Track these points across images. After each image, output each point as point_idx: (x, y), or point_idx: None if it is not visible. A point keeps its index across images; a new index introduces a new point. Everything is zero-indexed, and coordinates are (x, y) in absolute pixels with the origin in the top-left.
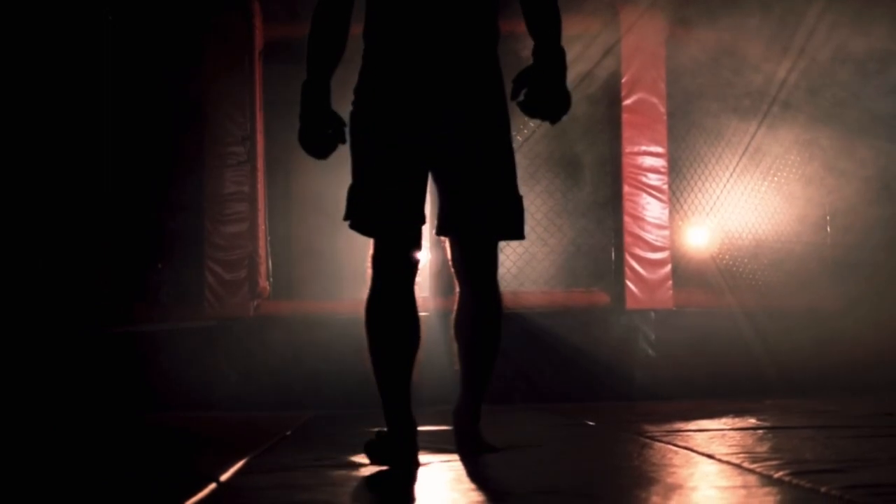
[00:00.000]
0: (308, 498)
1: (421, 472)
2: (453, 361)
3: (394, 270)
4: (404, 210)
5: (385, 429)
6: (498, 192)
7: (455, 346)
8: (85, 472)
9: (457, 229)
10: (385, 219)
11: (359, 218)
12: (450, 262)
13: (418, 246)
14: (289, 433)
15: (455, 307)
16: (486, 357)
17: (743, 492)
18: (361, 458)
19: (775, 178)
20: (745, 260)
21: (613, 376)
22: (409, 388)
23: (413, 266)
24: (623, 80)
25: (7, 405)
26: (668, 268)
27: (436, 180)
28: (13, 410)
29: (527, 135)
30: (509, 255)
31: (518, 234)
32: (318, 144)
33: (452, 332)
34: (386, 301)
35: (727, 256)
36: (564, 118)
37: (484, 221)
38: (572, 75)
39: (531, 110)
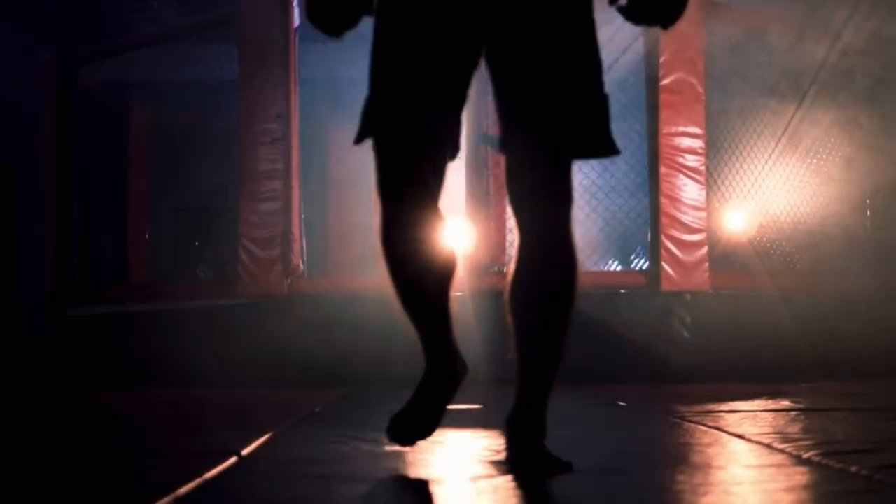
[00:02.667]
0: (326, 472)
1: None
2: (507, 348)
3: (411, 180)
4: (434, 100)
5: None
6: (577, 87)
7: (510, 323)
8: (116, 446)
9: (516, 140)
10: (405, 108)
11: (372, 120)
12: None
13: (447, 152)
14: (317, 410)
15: (511, 269)
16: (555, 337)
17: (771, 471)
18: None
19: (814, 160)
20: (783, 243)
21: (647, 358)
22: (449, 321)
23: (438, 176)
24: (661, 60)
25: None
26: (705, 250)
27: (490, 71)
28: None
29: None
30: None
31: (605, 147)
32: (333, 9)
33: (506, 303)
34: (403, 225)
35: (765, 239)
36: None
37: (556, 128)
38: (607, 56)
39: (638, 12)
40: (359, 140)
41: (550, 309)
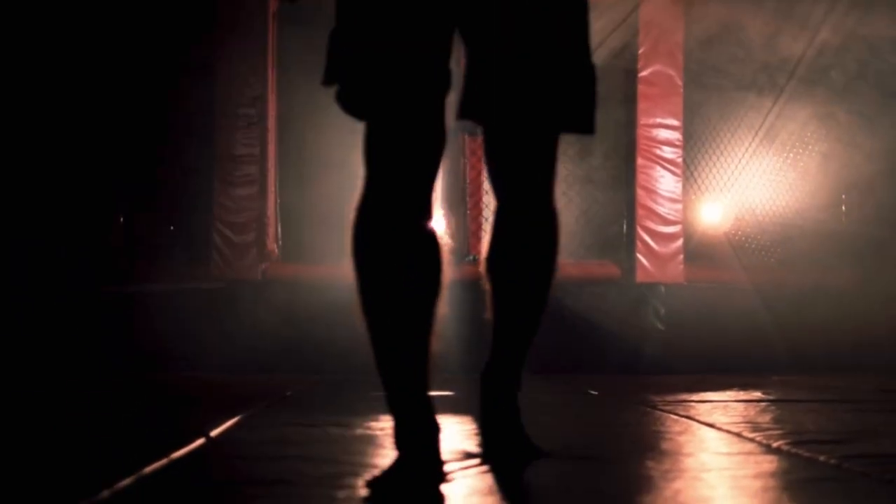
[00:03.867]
0: (297, 453)
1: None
2: (485, 308)
3: (399, 167)
4: (419, 65)
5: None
6: (562, 54)
7: (488, 284)
8: (79, 427)
9: (493, 110)
10: (387, 79)
11: (345, 80)
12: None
13: (439, 129)
14: (288, 394)
15: (490, 233)
16: (534, 299)
17: (740, 458)
18: (358, 419)
19: (791, 154)
20: (758, 236)
21: (621, 349)
22: (427, 363)
23: (433, 160)
24: (640, 52)
25: (9, 364)
26: (680, 242)
27: (464, 34)
28: (15, 369)
29: None
30: None
31: (584, 123)
32: None
33: (486, 265)
34: (385, 219)
35: (740, 232)
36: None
37: (538, 99)
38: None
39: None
40: (328, 81)
41: (530, 270)
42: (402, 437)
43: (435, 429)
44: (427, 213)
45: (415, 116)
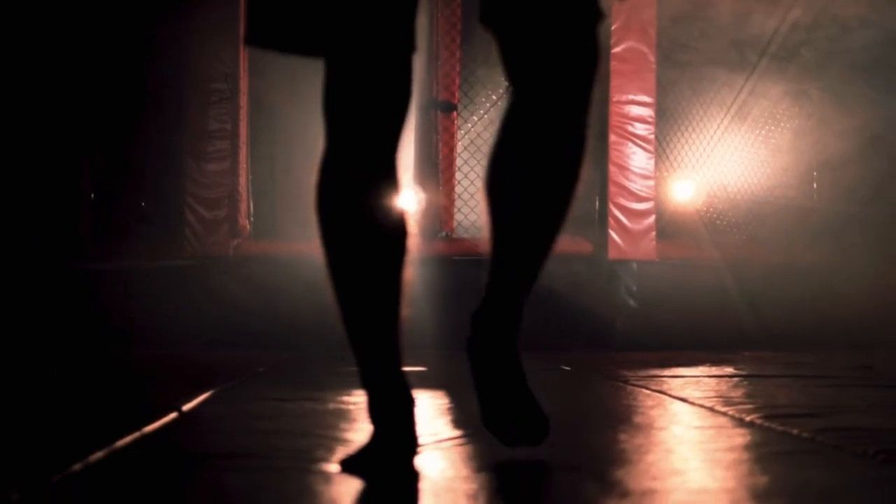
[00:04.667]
0: (270, 427)
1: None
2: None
3: (361, 122)
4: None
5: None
6: None
7: (488, 200)
8: (50, 404)
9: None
10: (350, 17)
11: (271, 21)
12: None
13: (402, 82)
14: (261, 369)
15: (497, 140)
16: (546, 226)
17: (713, 432)
18: (331, 394)
19: (763, 131)
20: (730, 213)
21: (593, 325)
22: (397, 332)
23: (395, 113)
24: (612, 28)
25: None
26: (652, 219)
27: None
28: None
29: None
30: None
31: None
32: None
33: (488, 177)
34: (348, 179)
35: (712, 209)
36: None
37: None
38: None
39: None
40: (251, 41)
41: (553, 187)
42: (375, 411)
43: (409, 402)
44: (390, 174)
45: (376, 63)
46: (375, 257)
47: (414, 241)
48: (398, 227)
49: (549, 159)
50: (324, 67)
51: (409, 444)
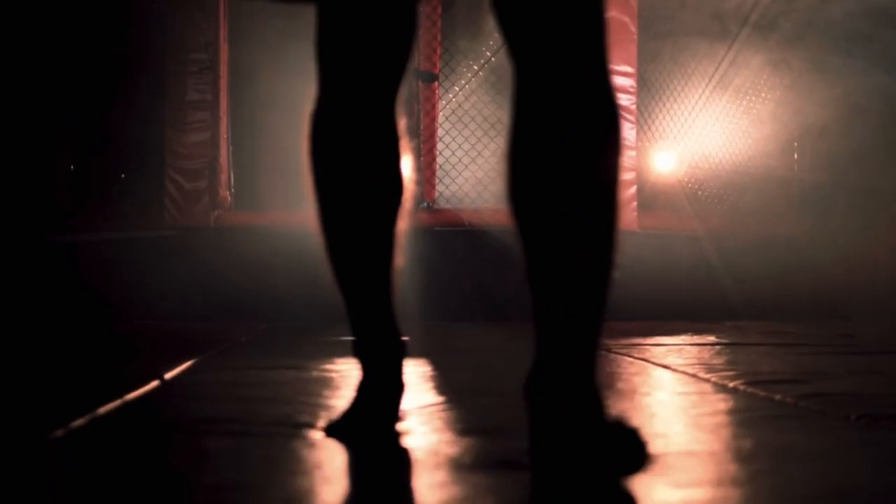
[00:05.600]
0: (252, 394)
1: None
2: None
3: (355, 61)
4: None
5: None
6: None
7: (517, 229)
8: (29, 374)
9: None
10: None
11: None
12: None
13: (407, 24)
14: (243, 340)
15: (509, 140)
16: (598, 234)
17: (696, 398)
18: (314, 363)
19: (744, 102)
20: (711, 183)
21: None
22: (390, 276)
23: (397, 61)
24: None
25: None
26: (633, 189)
27: None
28: None
29: (494, 48)
30: (474, 171)
31: None
32: None
33: (509, 194)
34: (340, 119)
35: (693, 180)
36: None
37: None
38: None
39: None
40: None
41: (589, 181)
42: (363, 352)
43: (399, 346)
44: (388, 124)
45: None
46: (369, 204)
47: (411, 192)
48: (394, 176)
49: (576, 133)
50: (316, 12)
51: (395, 391)
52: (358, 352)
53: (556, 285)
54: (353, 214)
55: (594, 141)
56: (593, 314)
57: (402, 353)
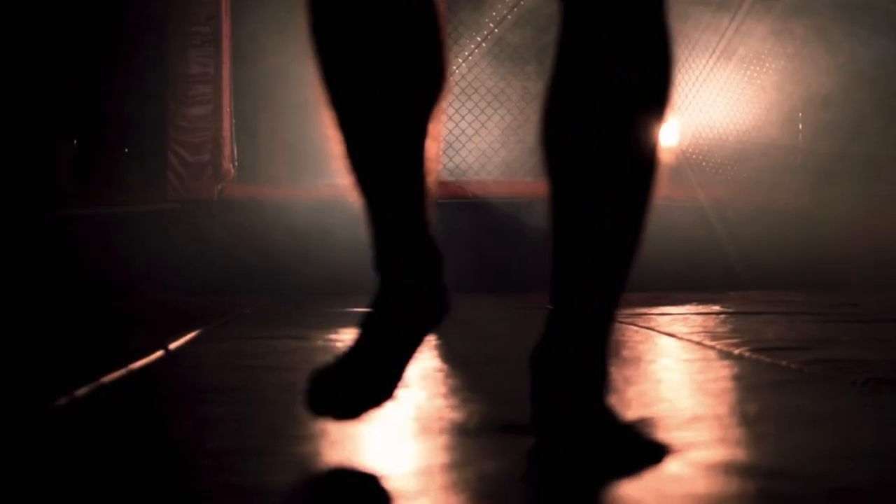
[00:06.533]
0: (256, 363)
1: None
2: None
3: None
4: None
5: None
6: None
7: (548, 183)
8: (32, 346)
9: None
10: None
11: None
12: None
13: None
14: (247, 311)
15: (550, 83)
16: (632, 204)
17: (701, 364)
18: (318, 333)
19: (748, 71)
20: (715, 154)
21: None
22: (422, 186)
23: None
24: None
25: None
26: None
27: None
28: None
29: (497, 20)
30: (477, 143)
31: None
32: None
33: (542, 142)
34: None
35: (696, 150)
36: None
37: None
38: None
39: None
40: None
41: (635, 126)
42: (386, 261)
43: (438, 256)
44: None
45: None
46: (398, 89)
47: (450, 68)
48: (432, 50)
49: (625, 75)
50: None
51: (435, 306)
52: (379, 258)
53: (579, 247)
54: (377, 104)
55: (643, 91)
56: (614, 285)
57: (440, 259)
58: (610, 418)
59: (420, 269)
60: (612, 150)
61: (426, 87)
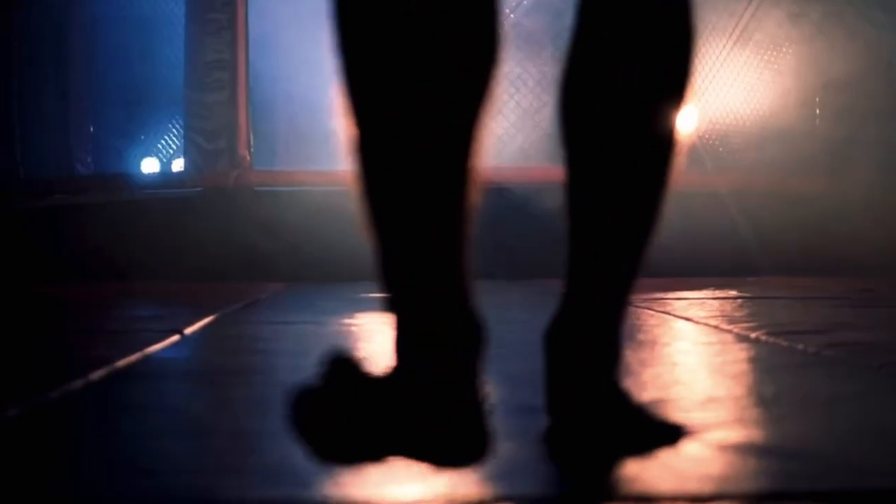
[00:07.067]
0: (271, 347)
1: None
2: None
3: None
4: None
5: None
6: None
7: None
8: (52, 330)
9: None
10: None
11: None
12: None
13: None
14: (263, 297)
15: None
16: (655, 160)
17: (718, 347)
18: (333, 318)
19: (765, 56)
20: (732, 139)
21: None
22: (465, 213)
23: None
24: None
25: None
26: None
27: None
28: None
29: (513, 5)
30: (494, 128)
31: None
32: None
33: (559, 109)
34: None
35: (714, 136)
36: None
37: None
38: None
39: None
40: None
41: (657, 101)
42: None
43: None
44: None
45: None
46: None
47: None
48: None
49: (647, 53)
50: None
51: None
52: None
53: (596, 224)
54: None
55: (666, 66)
56: (630, 265)
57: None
58: (624, 397)
59: (456, 367)
60: (632, 127)
61: (482, 68)
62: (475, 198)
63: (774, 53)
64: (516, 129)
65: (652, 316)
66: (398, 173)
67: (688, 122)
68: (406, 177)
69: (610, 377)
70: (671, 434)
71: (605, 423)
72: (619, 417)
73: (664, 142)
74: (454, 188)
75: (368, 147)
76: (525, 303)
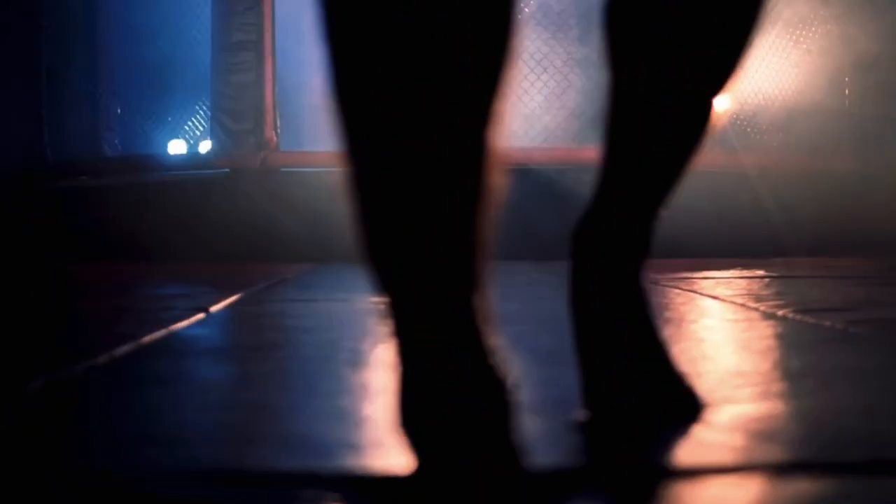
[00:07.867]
0: (295, 324)
1: None
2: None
3: None
4: None
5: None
6: None
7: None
8: (86, 304)
9: None
10: None
11: None
12: None
13: None
14: (289, 276)
15: None
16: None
17: (745, 324)
18: (358, 296)
19: (794, 35)
20: (761, 120)
21: None
22: (475, 228)
23: None
24: None
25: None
26: None
27: None
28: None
29: None
30: (521, 109)
31: None
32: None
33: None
34: None
35: (742, 116)
36: None
37: None
38: None
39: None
40: None
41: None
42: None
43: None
44: None
45: None
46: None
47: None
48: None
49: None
50: None
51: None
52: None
53: (636, 134)
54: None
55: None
56: (665, 178)
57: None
58: (649, 322)
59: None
60: (682, 47)
61: (495, 60)
62: (494, 193)
63: (804, 32)
64: (542, 110)
65: (679, 294)
66: (405, 164)
67: (724, 100)
68: (414, 167)
69: (635, 275)
70: (698, 404)
71: (634, 387)
72: (649, 380)
73: (721, 64)
74: (468, 179)
75: (373, 136)
76: (551, 282)
